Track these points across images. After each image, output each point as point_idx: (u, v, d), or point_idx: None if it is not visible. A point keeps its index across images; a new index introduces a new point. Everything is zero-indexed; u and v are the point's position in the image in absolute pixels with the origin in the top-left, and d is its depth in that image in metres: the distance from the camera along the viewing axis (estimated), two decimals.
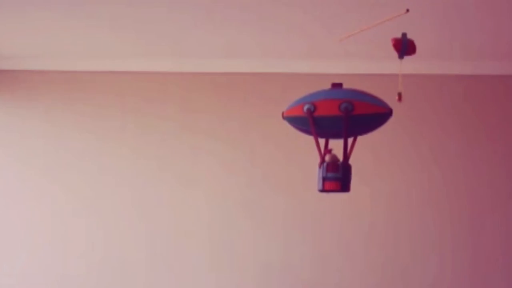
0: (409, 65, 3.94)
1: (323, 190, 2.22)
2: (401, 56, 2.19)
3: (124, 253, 3.95)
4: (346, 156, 2.20)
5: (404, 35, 2.19)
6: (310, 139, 3.90)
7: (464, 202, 3.84)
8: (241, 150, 4.00)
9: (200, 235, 3.94)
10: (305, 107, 2.23)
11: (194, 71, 4.11)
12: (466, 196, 3.84)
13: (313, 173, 3.89)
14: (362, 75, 3.87)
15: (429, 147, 3.91)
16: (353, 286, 3.81)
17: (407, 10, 2.17)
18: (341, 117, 2.17)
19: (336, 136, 2.25)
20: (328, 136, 2.28)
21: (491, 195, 3.83)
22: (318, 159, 2.49)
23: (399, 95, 2.21)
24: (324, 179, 2.21)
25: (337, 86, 2.26)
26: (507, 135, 3.88)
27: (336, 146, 2.27)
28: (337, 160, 2.21)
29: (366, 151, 3.62)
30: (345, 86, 2.27)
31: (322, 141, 2.36)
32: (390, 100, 2.24)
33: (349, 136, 2.23)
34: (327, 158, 2.22)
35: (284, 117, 2.31)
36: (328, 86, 4.00)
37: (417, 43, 3.76)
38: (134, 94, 4.13)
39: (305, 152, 3.95)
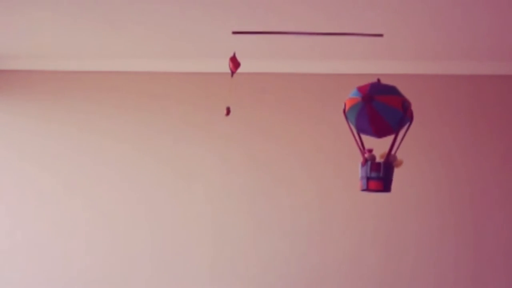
0: (410, 65, 3.95)
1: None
2: (232, 74, 2.43)
3: (126, 250, 3.95)
4: (362, 152, 2.26)
5: (233, 54, 2.40)
6: (311, 137, 3.91)
7: (467, 202, 3.85)
8: (245, 148, 4.00)
9: (203, 232, 3.94)
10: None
11: (194, 71, 4.11)
12: (469, 196, 3.85)
13: (316, 170, 3.90)
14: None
15: (431, 147, 3.91)
16: (356, 287, 3.81)
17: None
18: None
19: (361, 131, 2.36)
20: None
21: (493, 195, 3.84)
22: (319, 157, 2.53)
23: (227, 109, 2.37)
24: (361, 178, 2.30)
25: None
26: (508, 135, 3.89)
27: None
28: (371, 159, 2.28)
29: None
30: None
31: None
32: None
33: (374, 135, 2.32)
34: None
35: None
36: (333, 88, 3.98)
37: (417, 43, 3.76)
38: (134, 94, 4.12)
39: (308, 151, 3.96)
